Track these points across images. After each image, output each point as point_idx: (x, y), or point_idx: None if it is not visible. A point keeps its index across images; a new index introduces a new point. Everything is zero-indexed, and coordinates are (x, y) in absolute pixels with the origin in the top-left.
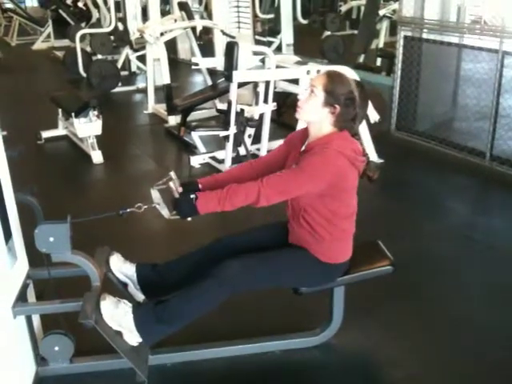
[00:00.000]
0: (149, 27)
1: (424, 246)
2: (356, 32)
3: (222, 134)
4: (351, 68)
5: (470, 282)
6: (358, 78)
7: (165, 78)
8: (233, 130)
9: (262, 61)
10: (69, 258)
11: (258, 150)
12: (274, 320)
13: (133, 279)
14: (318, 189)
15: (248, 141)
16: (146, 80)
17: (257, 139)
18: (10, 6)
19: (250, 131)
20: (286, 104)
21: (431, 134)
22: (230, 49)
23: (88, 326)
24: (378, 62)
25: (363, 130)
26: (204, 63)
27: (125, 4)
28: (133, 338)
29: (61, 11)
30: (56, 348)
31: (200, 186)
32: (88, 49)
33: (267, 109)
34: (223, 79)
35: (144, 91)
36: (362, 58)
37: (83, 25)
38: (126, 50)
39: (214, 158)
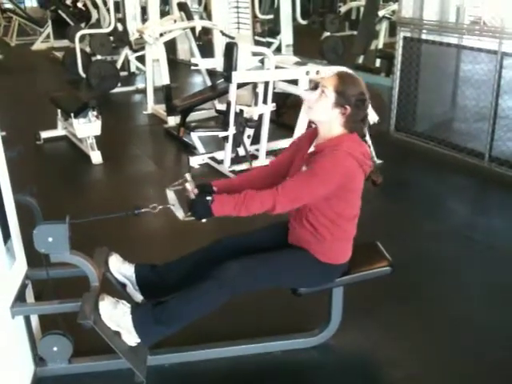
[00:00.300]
0: (148, 28)
1: (423, 247)
2: (355, 33)
3: (222, 134)
4: (351, 69)
5: (469, 282)
6: None
7: (164, 79)
8: (232, 130)
9: (262, 61)
10: (67, 259)
11: (257, 150)
12: (273, 321)
13: (131, 280)
14: (329, 191)
15: (247, 141)
16: (145, 80)
17: (256, 140)
18: (9, 6)
19: (250, 132)
20: (286, 105)
21: (430, 134)
22: (230, 49)
23: (87, 326)
24: (378, 62)
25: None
26: (203, 64)
27: (124, 4)
28: (131, 338)
29: (60, 12)
30: (54, 348)
31: (215, 188)
32: (87, 49)
33: (266, 109)
34: (222, 80)
35: (143, 92)
36: (361, 59)
37: (83, 25)
38: (126, 51)
39: (213, 159)
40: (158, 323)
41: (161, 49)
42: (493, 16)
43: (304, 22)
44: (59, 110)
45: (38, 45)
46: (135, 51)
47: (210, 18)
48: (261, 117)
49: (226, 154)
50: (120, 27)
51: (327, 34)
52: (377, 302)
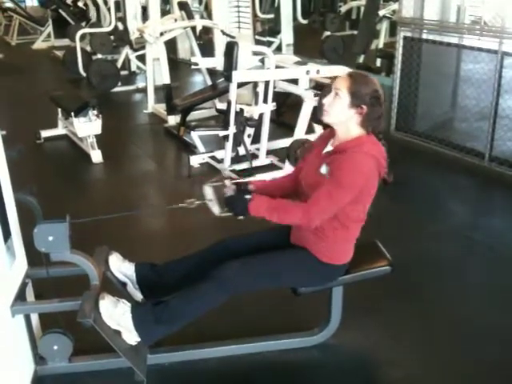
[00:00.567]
0: (149, 27)
1: (423, 246)
2: (356, 32)
3: (222, 133)
4: (351, 68)
5: (469, 282)
6: None
7: (164, 78)
8: (232, 129)
9: (262, 61)
10: (68, 258)
11: (258, 149)
12: (273, 320)
13: (132, 279)
14: (354, 196)
15: (247, 140)
16: (145, 80)
17: (256, 139)
18: (10, 5)
19: (250, 131)
20: (286, 104)
21: (431, 134)
22: (230, 49)
23: (87, 325)
24: (378, 62)
25: None
26: (204, 63)
27: (125, 3)
28: (131, 337)
29: (61, 11)
30: (55, 347)
31: (252, 187)
32: (88, 48)
33: (267, 109)
34: (223, 79)
35: (144, 91)
36: (361, 59)
37: (83, 24)
38: (126, 50)
39: (213, 158)
40: (158, 322)
41: (161, 48)
42: (493, 16)
43: (304, 22)
44: (59, 109)
45: (39, 44)
46: (136, 50)
47: (210, 17)
48: (261, 116)
49: (226, 153)
50: (120, 26)
51: (328, 33)
52: (377, 302)
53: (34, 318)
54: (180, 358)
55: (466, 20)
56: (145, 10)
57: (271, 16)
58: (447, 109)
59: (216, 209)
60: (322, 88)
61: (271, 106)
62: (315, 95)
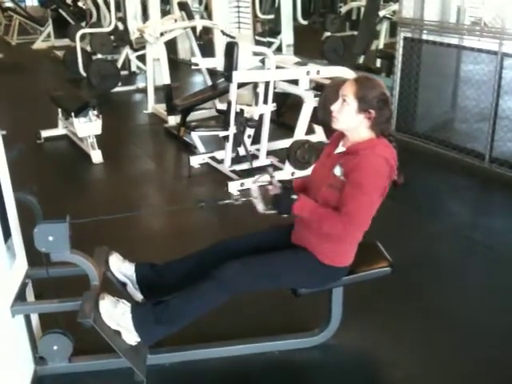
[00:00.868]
0: (149, 27)
1: (424, 247)
2: (356, 33)
3: (222, 134)
4: (351, 69)
5: (469, 283)
6: None
7: (165, 78)
8: (232, 130)
9: (262, 61)
10: (68, 258)
11: (258, 150)
12: (273, 320)
13: (132, 279)
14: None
15: (247, 141)
16: (145, 80)
17: (256, 139)
18: (10, 5)
19: (250, 131)
20: (286, 104)
21: (431, 135)
22: (230, 49)
23: (87, 325)
24: (378, 63)
25: None
26: (204, 63)
27: (125, 4)
28: (131, 337)
29: (61, 10)
30: (55, 347)
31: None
32: (88, 48)
33: (267, 109)
34: (223, 79)
35: (144, 91)
36: (361, 59)
37: (83, 24)
38: (126, 50)
39: (213, 158)
40: (158, 322)
41: (161, 48)
42: (493, 17)
43: (305, 22)
44: (60, 109)
45: (39, 44)
46: (136, 50)
47: (210, 17)
48: (261, 116)
49: (226, 154)
50: (121, 26)
51: (328, 34)
52: (377, 302)
53: (34, 319)
54: (180, 359)
55: (466, 21)
56: (145, 10)
57: (271, 16)
58: (447, 110)
59: (260, 206)
60: (322, 89)
61: (271, 106)
62: (315, 96)
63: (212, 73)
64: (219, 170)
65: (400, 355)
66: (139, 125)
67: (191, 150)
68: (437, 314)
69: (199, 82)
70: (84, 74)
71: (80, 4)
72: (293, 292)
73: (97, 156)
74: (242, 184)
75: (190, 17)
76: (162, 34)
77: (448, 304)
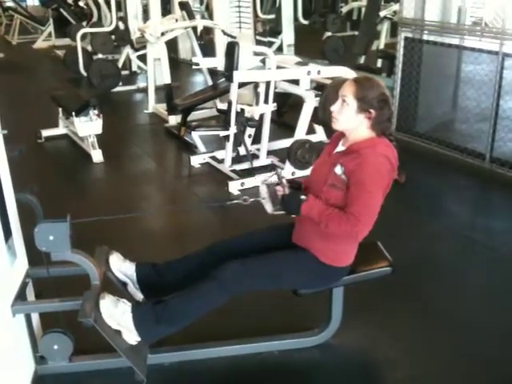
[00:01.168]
0: (150, 27)
1: (424, 247)
2: (357, 33)
3: (222, 133)
4: (352, 69)
5: (469, 283)
6: None
7: (165, 78)
8: (233, 129)
9: (263, 61)
10: (68, 257)
11: (258, 150)
12: (273, 320)
13: (132, 278)
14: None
15: (248, 141)
16: (146, 79)
17: (257, 139)
18: (11, 4)
19: (250, 131)
20: (287, 104)
21: (431, 135)
22: (231, 49)
23: (87, 324)
24: (379, 63)
25: None
26: (205, 63)
27: (126, 3)
28: (132, 337)
29: (62, 10)
30: (55, 347)
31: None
32: (89, 48)
33: (267, 109)
34: (224, 79)
35: (144, 91)
36: (362, 59)
37: (84, 24)
38: (127, 50)
39: (214, 158)
40: (158, 322)
41: (162, 48)
42: (494, 17)
43: (305, 22)
44: (60, 109)
45: (40, 43)
46: (137, 50)
47: (211, 17)
48: (262, 116)
49: (226, 154)
50: (121, 26)
51: (328, 34)
52: (377, 302)
53: (35, 318)
54: (180, 358)
55: (466, 21)
56: (146, 9)
57: (272, 16)
58: (448, 110)
59: (269, 206)
60: (322, 89)
61: (272, 106)
62: (316, 96)
63: (213, 72)
64: (220, 169)
65: (400, 355)
66: (140, 124)
67: (192, 149)
68: (436, 314)
69: (200, 81)
70: (85, 74)
71: (81, 3)
72: (293, 292)
73: (97, 155)
74: (242, 184)
75: (191, 16)
76: (162, 34)
77: (448, 304)
